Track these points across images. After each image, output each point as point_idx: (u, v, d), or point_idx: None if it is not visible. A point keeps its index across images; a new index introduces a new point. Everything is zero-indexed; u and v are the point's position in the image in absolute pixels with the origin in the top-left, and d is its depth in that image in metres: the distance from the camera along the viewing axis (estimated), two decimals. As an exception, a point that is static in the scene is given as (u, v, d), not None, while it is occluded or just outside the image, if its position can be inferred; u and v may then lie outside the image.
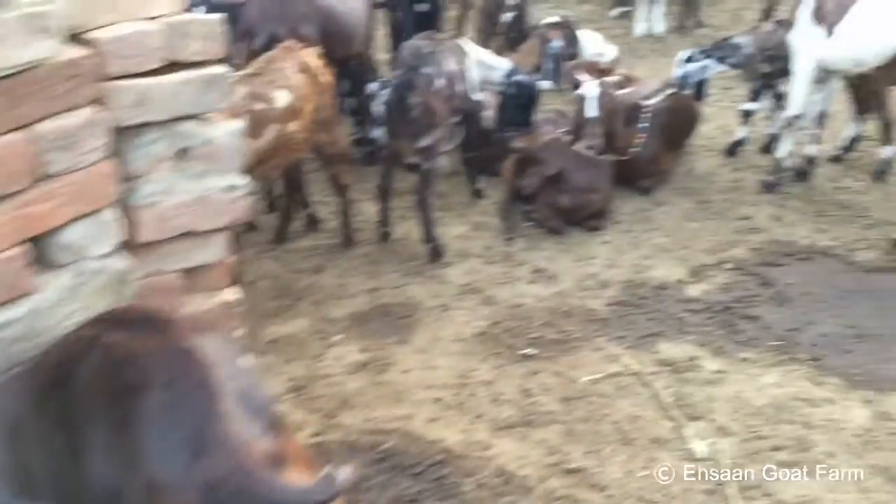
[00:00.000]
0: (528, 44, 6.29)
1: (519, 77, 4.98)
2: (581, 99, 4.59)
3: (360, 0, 5.35)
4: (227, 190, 2.00)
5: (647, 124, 4.98)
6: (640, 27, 8.05)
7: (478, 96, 4.86)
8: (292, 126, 3.82)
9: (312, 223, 4.84)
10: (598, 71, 6.78)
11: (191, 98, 1.87)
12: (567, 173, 4.68)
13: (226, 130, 2.00)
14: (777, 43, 5.05)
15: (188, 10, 5.80)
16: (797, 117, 4.72)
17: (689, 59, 5.45)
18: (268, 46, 4.24)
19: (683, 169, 5.25)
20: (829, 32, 4.20)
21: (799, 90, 4.63)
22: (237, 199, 2.03)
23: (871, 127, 5.02)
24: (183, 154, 1.91)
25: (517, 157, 4.92)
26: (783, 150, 4.83)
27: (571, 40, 6.35)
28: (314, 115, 3.98)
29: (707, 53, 5.43)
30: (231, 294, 2.17)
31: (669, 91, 5.29)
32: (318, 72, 4.05)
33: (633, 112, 4.98)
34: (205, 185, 1.96)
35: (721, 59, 5.40)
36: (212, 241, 2.04)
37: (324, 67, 4.14)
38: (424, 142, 4.26)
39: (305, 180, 4.79)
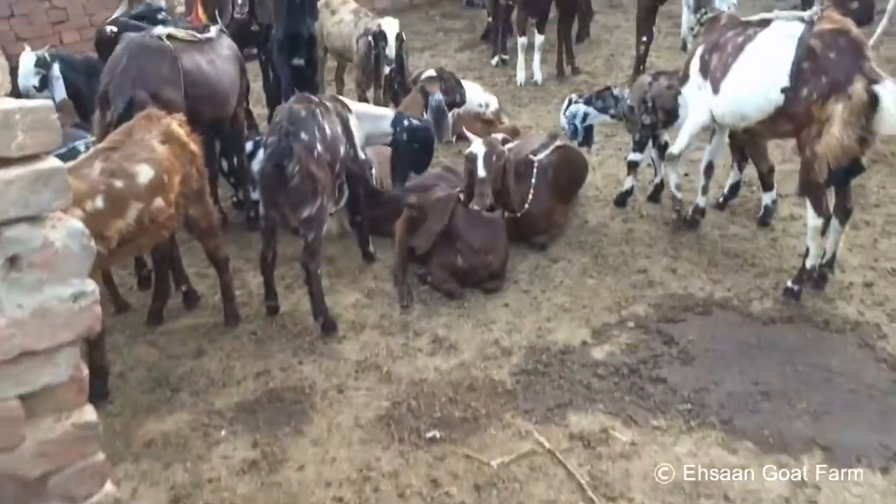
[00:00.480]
0: (409, 97, 6.14)
1: (408, 121, 4.80)
2: (471, 158, 4.42)
3: (230, 59, 5.02)
4: (70, 299, 1.71)
5: (537, 179, 4.89)
6: (521, 75, 8.12)
7: (362, 154, 4.62)
8: (158, 202, 3.47)
9: (191, 300, 4.45)
10: (483, 121, 6.74)
11: (19, 198, 1.58)
12: (461, 233, 4.50)
13: (67, 231, 1.70)
14: (656, 95, 5.11)
15: (45, 64, 5.28)
16: (678, 156, 4.79)
17: (569, 105, 5.48)
18: (127, 115, 3.86)
19: (577, 222, 5.18)
20: (716, 90, 4.26)
21: (686, 136, 4.69)
22: (85, 309, 1.73)
23: (751, 172, 5.13)
24: (14, 263, 1.61)
25: (409, 216, 4.71)
26: (672, 182, 4.97)
27: (456, 90, 6.25)
28: (182, 188, 3.64)
29: (587, 101, 5.46)
30: (86, 414, 1.85)
31: (557, 144, 5.25)
32: (184, 140, 3.70)
33: (523, 168, 4.87)
34: (43, 297, 1.66)
35: (603, 110, 5.43)
36: (56, 359, 1.74)
37: (190, 135, 3.79)
38: (307, 212, 3.95)
39: (179, 254, 4.41)
